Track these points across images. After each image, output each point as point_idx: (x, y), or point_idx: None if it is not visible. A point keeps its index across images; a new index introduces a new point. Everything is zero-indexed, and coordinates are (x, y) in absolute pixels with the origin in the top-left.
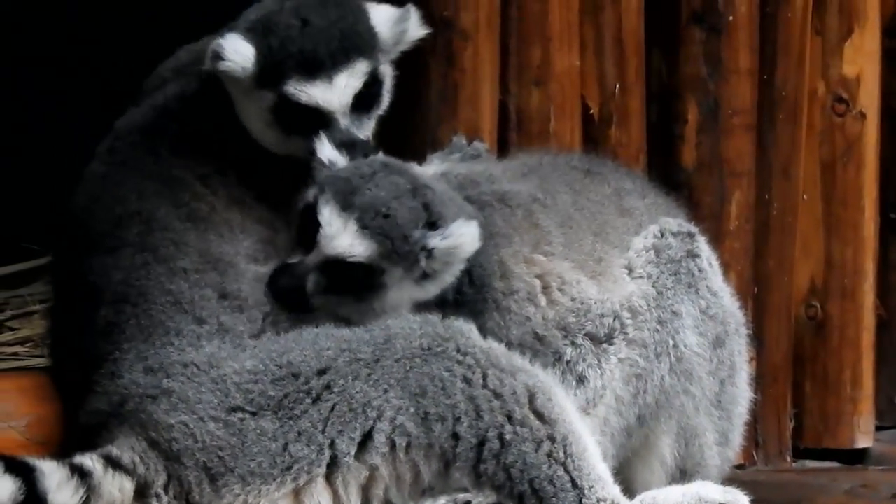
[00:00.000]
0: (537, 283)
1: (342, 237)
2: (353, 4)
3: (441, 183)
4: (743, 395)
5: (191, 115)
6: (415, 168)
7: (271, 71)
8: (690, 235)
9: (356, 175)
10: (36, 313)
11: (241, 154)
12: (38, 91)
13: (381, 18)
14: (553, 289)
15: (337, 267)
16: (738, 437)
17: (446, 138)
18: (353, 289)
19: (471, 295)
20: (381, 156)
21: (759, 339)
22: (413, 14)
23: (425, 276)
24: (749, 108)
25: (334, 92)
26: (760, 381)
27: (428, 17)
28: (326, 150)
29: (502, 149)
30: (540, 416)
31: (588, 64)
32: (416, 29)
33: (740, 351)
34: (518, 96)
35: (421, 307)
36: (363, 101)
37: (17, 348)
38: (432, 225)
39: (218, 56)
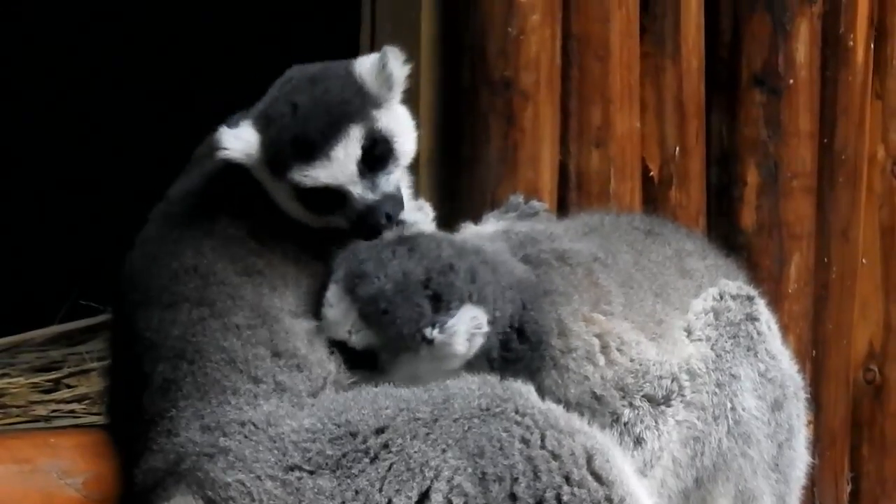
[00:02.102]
0: (596, 342)
1: (342, 324)
2: (338, 72)
3: (496, 242)
4: (801, 458)
5: (243, 179)
6: (461, 234)
7: (275, 162)
8: (749, 298)
9: (373, 259)
10: (93, 371)
11: (291, 223)
12: (94, 151)
13: (366, 72)
14: (612, 348)
15: (341, 346)
16: (795, 501)
17: (505, 199)
18: (361, 366)
19: (524, 352)
20: (418, 229)
21: (816, 402)
22: (391, 54)
23: (441, 357)
24: (809, 170)
25: (335, 167)
26: (818, 444)
27: (488, 78)
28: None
29: (562, 209)
30: (598, 477)
31: (648, 126)
32: (399, 69)
33: (798, 414)
34: (578, 157)
35: (470, 366)
36: (373, 162)
37: (75, 406)
38: (439, 310)
39: (221, 145)
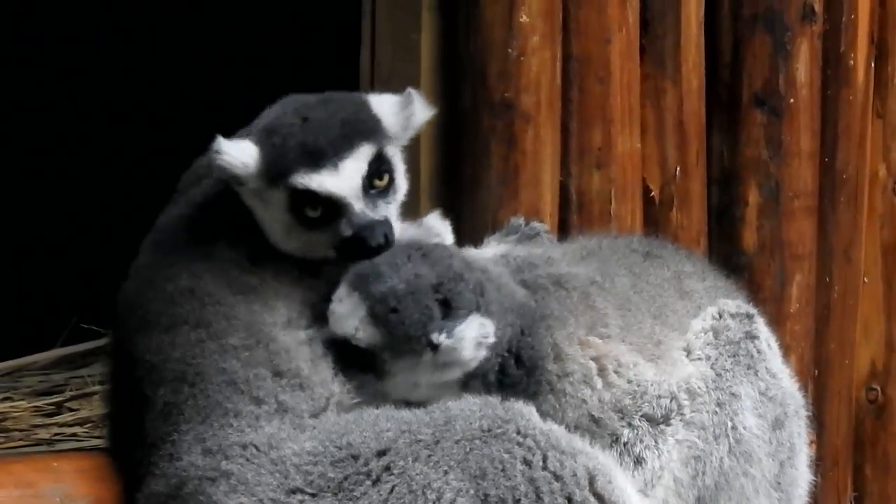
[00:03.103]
0: (593, 365)
1: (349, 319)
2: (353, 98)
3: (498, 266)
4: (803, 477)
5: (231, 205)
6: (467, 254)
7: (277, 166)
8: (749, 317)
9: (387, 262)
10: (96, 394)
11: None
12: (95, 175)
13: (384, 107)
14: (609, 371)
15: (344, 345)
16: None
17: (506, 221)
18: (359, 369)
19: (521, 377)
20: (434, 242)
21: (819, 421)
22: (416, 97)
23: (444, 364)
24: (810, 190)
25: (342, 178)
26: (820, 464)
27: (489, 100)
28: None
29: (563, 231)
30: (600, 497)
31: (649, 146)
32: (422, 111)
33: (800, 433)
34: (579, 178)
35: (468, 388)
36: (377, 185)
37: (77, 429)
38: (448, 316)
39: (217, 152)
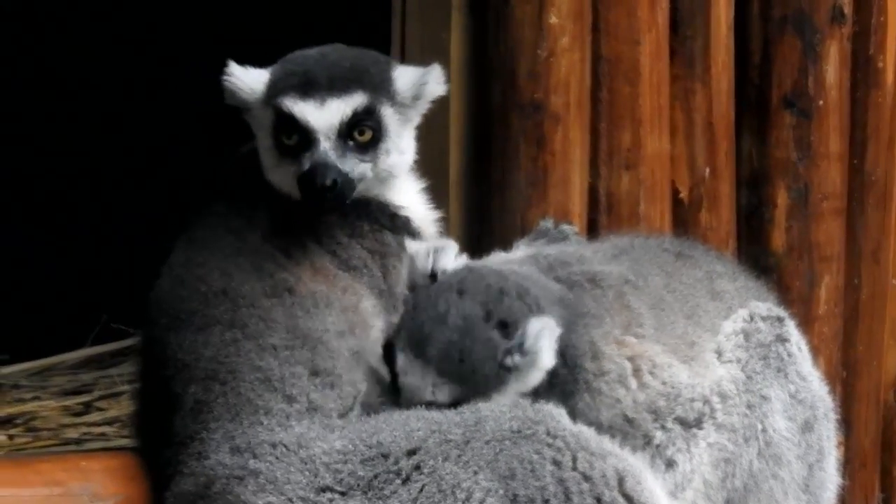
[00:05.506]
0: (628, 365)
1: (423, 388)
2: (381, 56)
3: (525, 265)
4: (831, 479)
5: (260, 194)
6: (492, 262)
7: (274, 87)
8: (780, 320)
9: (429, 318)
10: (124, 394)
11: (313, 224)
12: (124, 176)
13: (405, 73)
14: (644, 372)
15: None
16: None
17: (535, 222)
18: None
19: (563, 375)
20: (460, 271)
21: (847, 423)
22: (436, 71)
23: (529, 374)
24: (839, 192)
25: (323, 112)
26: (848, 465)
27: (518, 100)
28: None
29: (592, 232)
30: (629, 499)
31: (678, 148)
32: (436, 85)
33: (829, 436)
34: (608, 179)
35: None
36: (355, 137)
37: (106, 429)
38: (509, 335)
39: (228, 76)
